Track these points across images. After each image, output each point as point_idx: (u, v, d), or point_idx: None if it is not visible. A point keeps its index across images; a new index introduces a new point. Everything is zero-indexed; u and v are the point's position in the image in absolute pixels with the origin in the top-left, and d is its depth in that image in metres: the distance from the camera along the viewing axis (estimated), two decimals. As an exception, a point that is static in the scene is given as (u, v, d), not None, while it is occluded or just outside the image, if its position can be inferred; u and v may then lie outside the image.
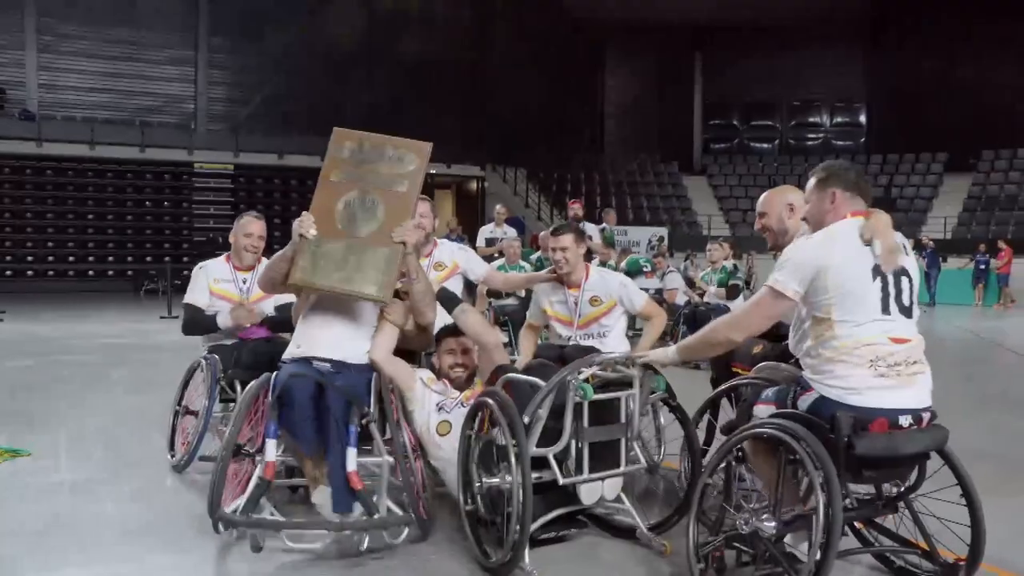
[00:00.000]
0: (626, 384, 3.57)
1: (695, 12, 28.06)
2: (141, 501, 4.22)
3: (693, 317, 9.06)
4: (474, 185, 28.89)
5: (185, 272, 15.53)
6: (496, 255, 10.64)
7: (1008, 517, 3.77)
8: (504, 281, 5.80)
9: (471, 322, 4.06)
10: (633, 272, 11.19)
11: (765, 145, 31.22)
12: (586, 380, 3.40)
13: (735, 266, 9.46)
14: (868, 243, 2.97)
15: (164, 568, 3.43)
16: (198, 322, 4.90)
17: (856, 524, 3.35)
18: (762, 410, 3.11)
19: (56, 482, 4.57)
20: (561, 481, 3.40)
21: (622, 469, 3.60)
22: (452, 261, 4.98)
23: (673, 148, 29.54)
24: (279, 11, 23.89)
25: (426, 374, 4.05)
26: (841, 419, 2.79)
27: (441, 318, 4.14)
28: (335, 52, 24.75)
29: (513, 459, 3.19)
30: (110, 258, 22.44)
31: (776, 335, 3.49)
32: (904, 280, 3.01)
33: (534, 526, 3.29)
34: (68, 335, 11.44)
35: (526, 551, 3.19)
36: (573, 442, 3.40)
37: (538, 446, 3.34)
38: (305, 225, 3.71)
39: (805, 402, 2.95)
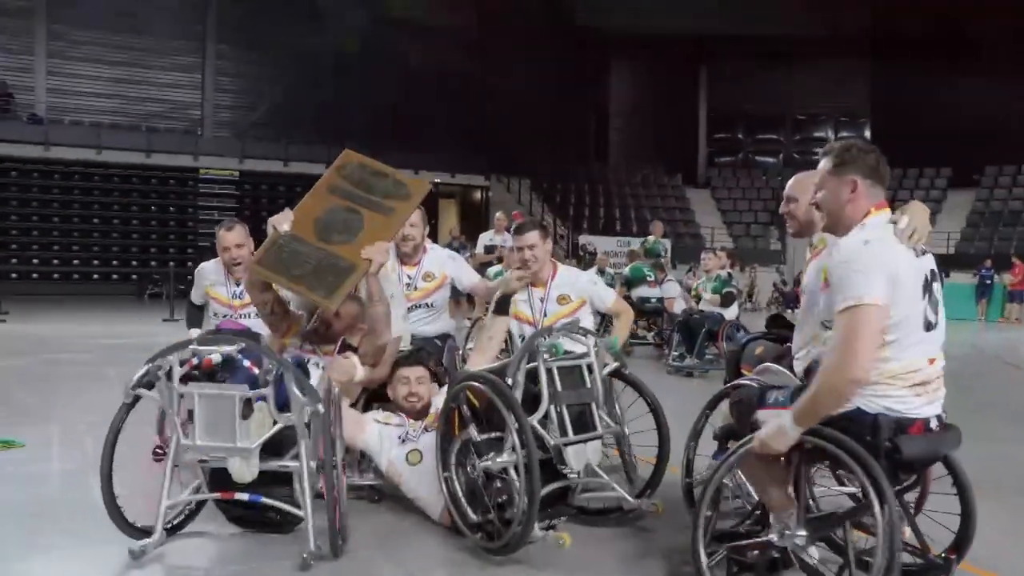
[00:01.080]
0: (582, 354, 3.72)
1: (700, 24, 28.15)
2: (129, 488, 4.21)
3: (686, 324, 9.10)
4: (478, 195, 28.98)
5: (189, 277, 15.51)
6: (495, 261, 10.71)
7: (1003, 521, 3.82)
8: (486, 290, 5.63)
9: None
10: (636, 280, 11.21)
11: (770, 159, 31.29)
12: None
13: (729, 275, 9.50)
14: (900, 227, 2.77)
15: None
16: (195, 318, 5.26)
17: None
18: (768, 414, 2.86)
19: (47, 471, 4.65)
20: (551, 443, 3.46)
21: (599, 431, 3.68)
22: (441, 272, 4.98)
23: (677, 160, 29.61)
24: (285, 19, 24.02)
25: (380, 414, 4.10)
26: (883, 422, 2.69)
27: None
28: (341, 60, 24.87)
29: (515, 431, 3.24)
30: (115, 262, 22.53)
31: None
32: (936, 286, 2.86)
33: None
34: (68, 335, 11.51)
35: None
36: (552, 407, 3.47)
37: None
38: (280, 220, 3.85)
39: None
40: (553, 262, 4.64)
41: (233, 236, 4.91)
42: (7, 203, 21.50)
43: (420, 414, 4.08)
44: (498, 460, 3.30)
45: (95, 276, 22.08)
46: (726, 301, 9.09)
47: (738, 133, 31.77)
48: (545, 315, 4.47)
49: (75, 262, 21.98)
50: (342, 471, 3.58)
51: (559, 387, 3.50)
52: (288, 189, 24.94)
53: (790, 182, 3.67)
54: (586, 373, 3.70)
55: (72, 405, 6.49)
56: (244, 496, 3.43)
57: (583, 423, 3.59)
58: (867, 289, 2.60)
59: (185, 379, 3.43)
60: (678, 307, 10.72)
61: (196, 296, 5.23)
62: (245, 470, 3.37)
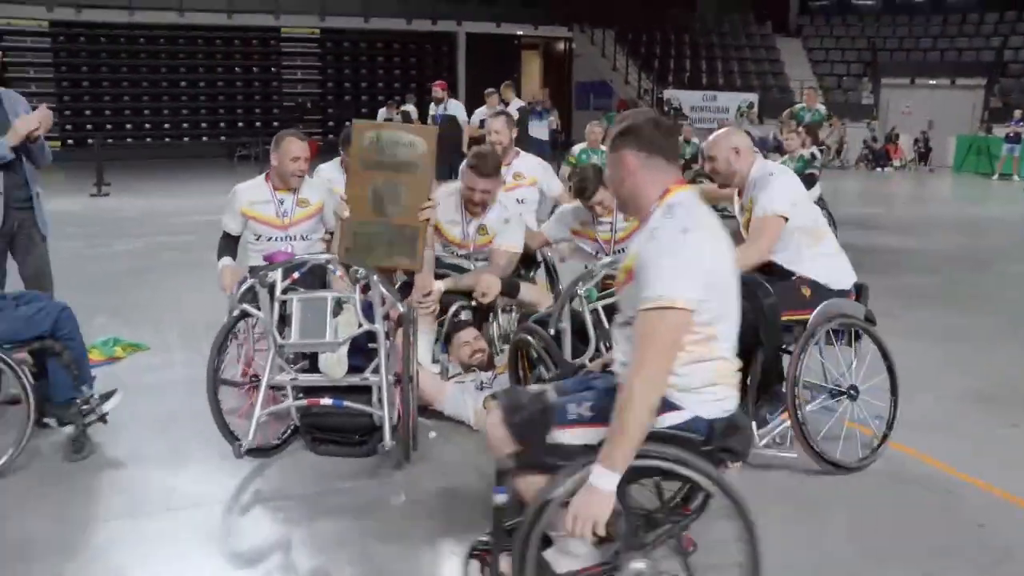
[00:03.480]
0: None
1: None
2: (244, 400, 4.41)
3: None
4: (561, 46, 28.34)
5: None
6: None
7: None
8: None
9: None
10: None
11: (868, 2, 29.39)
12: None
13: (812, 155, 9.25)
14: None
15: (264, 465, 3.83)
16: (227, 248, 4.74)
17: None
18: (571, 437, 2.36)
19: (175, 378, 4.93)
20: None
21: None
22: (531, 176, 5.39)
23: (768, 6, 28.10)
24: None
25: (455, 376, 4.49)
26: (717, 427, 2.35)
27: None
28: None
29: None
30: (203, 124, 23.02)
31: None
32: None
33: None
34: (167, 211, 11.95)
35: None
36: (602, 344, 3.63)
37: (573, 358, 3.62)
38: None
39: (668, 421, 2.31)
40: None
41: (303, 147, 4.63)
42: (98, 70, 22.01)
43: (488, 365, 4.42)
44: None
45: (185, 139, 22.66)
46: (808, 182, 8.91)
47: (835, -25, 29.85)
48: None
49: (166, 126, 22.54)
50: (416, 385, 3.90)
51: (606, 324, 3.62)
52: (369, 46, 24.86)
53: (706, 143, 4.15)
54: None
55: (182, 302, 6.73)
56: (329, 401, 3.72)
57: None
58: (673, 289, 2.21)
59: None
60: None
61: (231, 223, 4.71)
62: (336, 365, 3.70)
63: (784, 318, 3.75)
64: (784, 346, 3.85)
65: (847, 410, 3.91)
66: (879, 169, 21.77)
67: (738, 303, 2.42)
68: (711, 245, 2.33)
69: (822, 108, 12.15)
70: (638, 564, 2.35)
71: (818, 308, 3.78)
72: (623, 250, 4.64)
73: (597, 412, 2.34)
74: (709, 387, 2.35)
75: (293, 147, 4.59)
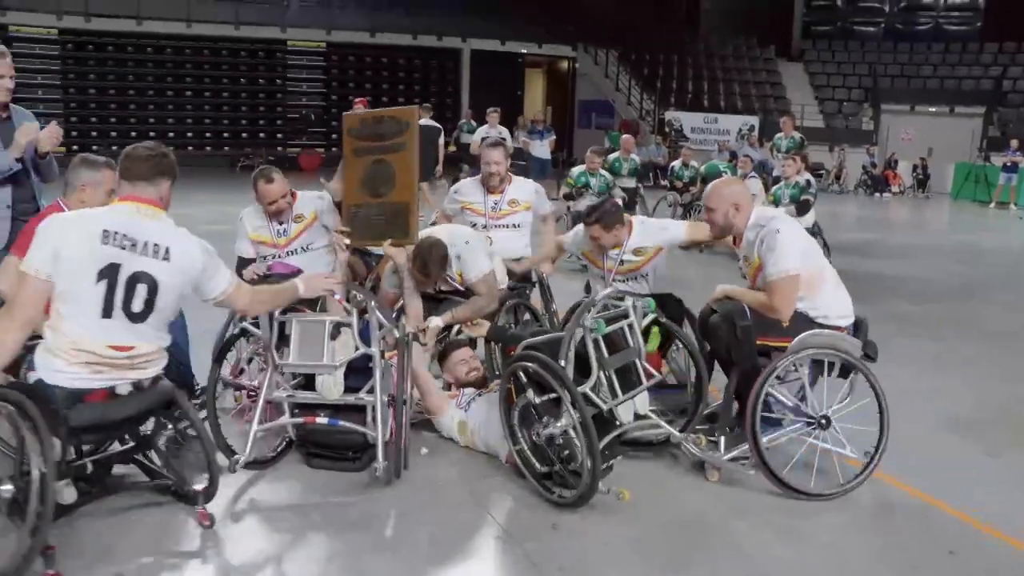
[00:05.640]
0: (623, 315, 3.95)
1: None
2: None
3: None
4: (565, 65, 28.54)
5: (279, 148, 15.64)
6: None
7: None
8: (550, 227, 6.03)
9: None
10: (712, 176, 11.16)
11: (869, 29, 29.64)
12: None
13: (808, 181, 9.39)
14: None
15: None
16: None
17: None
18: None
19: None
20: (604, 407, 3.73)
21: (645, 384, 3.94)
22: (526, 201, 5.57)
23: (771, 30, 28.29)
24: None
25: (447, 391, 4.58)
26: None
27: None
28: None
29: (570, 404, 3.54)
30: (207, 134, 23.19)
31: None
32: (140, 286, 3.15)
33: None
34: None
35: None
36: (601, 373, 3.72)
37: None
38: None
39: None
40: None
41: (276, 188, 4.82)
42: (105, 77, 22.19)
43: (482, 383, 4.53)
44: (558, 424, 3.59)
45: (189, 148, 22.79)
46: (802, 209, 9.05)
47: (837, 0, 30.02)
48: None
49: (170, 135, 22.65)
50: (409, 406, 4.02)
51: (606, 354, 3.74)
52: (374, 60, 25.04)
53: (706, 192, 4.30)
54: (628, 332, 3.93)
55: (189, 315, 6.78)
56: (324, 420, 3.86)
57: (628, 380, 3.84)
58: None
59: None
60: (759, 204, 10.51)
61: (244, 248, 4.97)
62: (332, 387, 3.85)
63: (767, 343, 3.92)
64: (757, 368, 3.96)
65: (820, 439, 3.98)
66: (877, 195, 21.91)
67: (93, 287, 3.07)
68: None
69: (796, 135, 12.40)
70: None
71: (797, 337, 3.90)
72: (623, 280, 4.94)
73: None
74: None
75: (266, 193, 4.82)
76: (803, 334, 3.91)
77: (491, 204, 5.51)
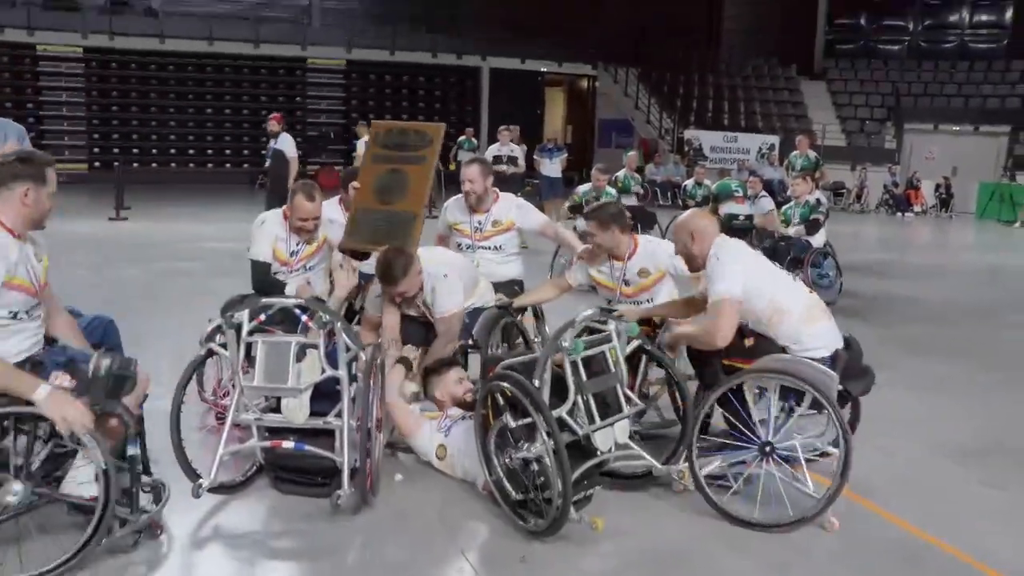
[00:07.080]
0: (606, 339, 3.82)
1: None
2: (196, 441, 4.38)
3: (773, 251, 8.88)
4: (585, 84, 28.52)
5: (298, 166, 15.77)
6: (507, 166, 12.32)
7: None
8: (555, 232, 5.79)
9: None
10: (723, 196, 11.03)
11: (893, 47, 29.32)
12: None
13: (818, 200, 9.20)
14: None
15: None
16: (271, 283, 4.73)
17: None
18: None
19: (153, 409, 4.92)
20: (581, 432, 3.58)
21: (625, 412, 3.78)
22: (508, 219, 5.37)
23: (793, 49, 28.10)
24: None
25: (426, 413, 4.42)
26: None
27: None
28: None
29: (543, 428, 3.40)
30: (227, 151, 23.35)
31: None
32: None
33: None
34: (181, 238, 11.98)
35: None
36: (579, 397, 3.58)
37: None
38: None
39: None
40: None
41: (313, 207, 4.75)
42: (127, 95, 22.45)
43: (472, 406, 4.27)
44: (532, 449, 3.47)
45: (209, 165, 22.98)
46: (811, 229, 8.86)
47: (860, 19, 29.78)
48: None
49: (190, 152, 22.88)
50: (377, 430, 3.89)
51: (584, 377, 3.62)
52: (394, 78, 25.13)
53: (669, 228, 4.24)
54: (609, 357, 3.79)
55: (179, 332, 6.41)
56: (291, 445, 3.74)
57: (607, 406, 3.69)
58: None
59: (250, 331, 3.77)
60: (778, 224, 9.49)
61: (263, 251, 4.84)
62: (298, 410, 3.72)
63: (733, 363, 3.87)
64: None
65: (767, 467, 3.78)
66: (899, 214, 21.62)
67: None
68: None
69: (811, 154, 12.20)
70: None
71: (757, 361, 3.78)
72: (636, 302, 4.83)
73: None
74: None
75: (301, 208, 4.76)
76: (765, 357, 3.78)
77: (475, 224, 5.35)
